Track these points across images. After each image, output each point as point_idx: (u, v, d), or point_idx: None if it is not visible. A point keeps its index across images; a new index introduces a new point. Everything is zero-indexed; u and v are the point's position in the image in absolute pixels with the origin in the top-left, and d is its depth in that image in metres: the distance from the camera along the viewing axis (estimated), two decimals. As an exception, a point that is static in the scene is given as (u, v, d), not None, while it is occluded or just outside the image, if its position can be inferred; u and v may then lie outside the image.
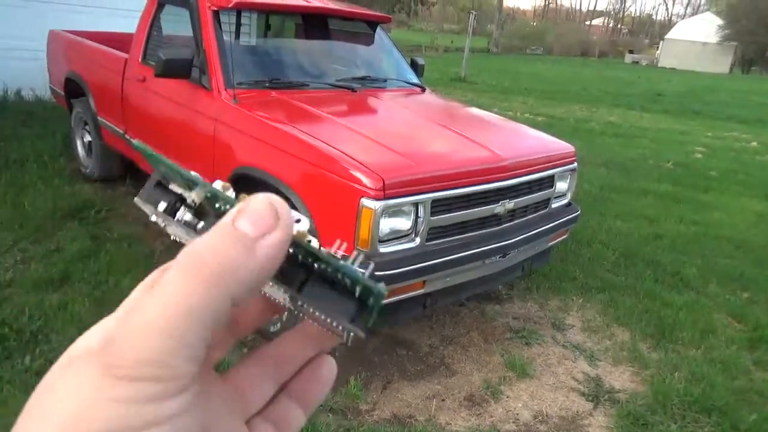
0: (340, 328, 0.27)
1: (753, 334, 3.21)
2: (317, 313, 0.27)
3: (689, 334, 3.15)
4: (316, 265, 0.27)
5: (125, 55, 3.88)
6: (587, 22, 79.57)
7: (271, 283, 0.27)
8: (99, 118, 4.21)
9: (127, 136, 3.80)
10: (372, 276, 0.28)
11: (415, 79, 3.91)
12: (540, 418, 2.44)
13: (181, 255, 0.23)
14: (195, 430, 0.23)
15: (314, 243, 0.27)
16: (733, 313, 3.45)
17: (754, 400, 2.62)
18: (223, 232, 0.23)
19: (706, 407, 2.53)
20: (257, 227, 0.23)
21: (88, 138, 4.54)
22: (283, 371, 0.32)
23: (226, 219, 0.24)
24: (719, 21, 47.66)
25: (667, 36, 51.03)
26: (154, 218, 0.30)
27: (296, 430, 0.32)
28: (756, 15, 44.14)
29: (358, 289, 0.27)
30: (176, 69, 2.98)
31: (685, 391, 2.62)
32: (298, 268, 0.28)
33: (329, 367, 0.33)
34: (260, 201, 0.24)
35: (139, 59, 3.72)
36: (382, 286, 0.27)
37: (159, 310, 0.22)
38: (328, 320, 0.27)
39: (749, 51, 47.16)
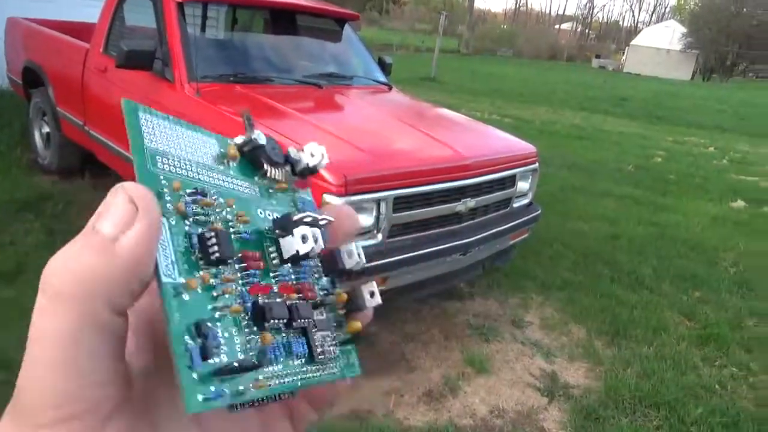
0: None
1: (702, 331, 3.34)
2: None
3: (642, 331, 3.25)
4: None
5: (86, 45, 3.80)
6: (556, 26, 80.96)
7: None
8: (58, 108, 4.11)
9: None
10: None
11: (382, 78, 3.93)
12: (496, 412, 2.49)
13: (42, 278, 0.21)
14: None
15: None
16: (685, 312, 3.57)
17: (700, 395, 2.72)
18: (82, 239, 0.22)
19: (655, 402, 2.62)
20: (114, 225, 0.22)
21: (46, 129, 4.43)
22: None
23: (88, 223, 0.22)
24: (682, 29, 49.07)
25: (633, 42, 52.28)
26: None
27: (307, 424, 0.32)
28: (717, 25, 45.61)
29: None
30: (138, 60, 2.94)
31: (637, 386, 2.71)
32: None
33: None
34: (115, 194, 0.22)
35: (101, 50, 3.65)
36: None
37: (38, 349, 0.21)
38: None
39: (710, 59, 48.68)
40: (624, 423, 2.48)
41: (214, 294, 0.25)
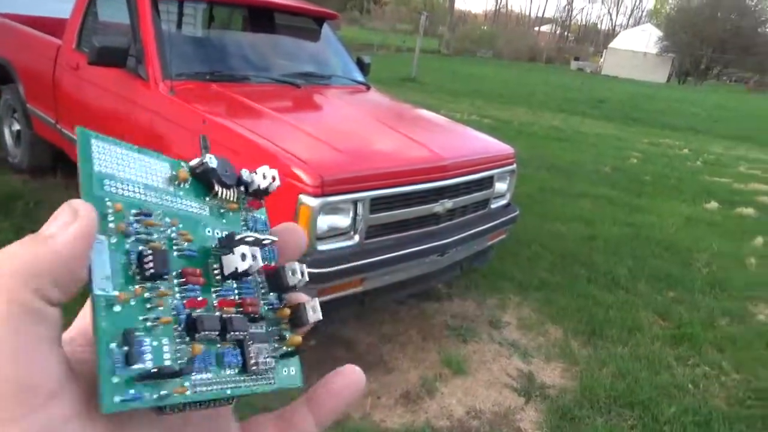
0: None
1: (676, 331, 3.38)
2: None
3: (618, 331, 3.28)
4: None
5: (58, 41, 3.72)
6: (536, 28, 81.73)
7: None
8: (29, 106, 4.02)
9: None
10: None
11: (360, 77, 3.92)
12: (473, 413, 2.48)
13: None
14: None
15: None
16: (659, 311, 3.62)
17: (674, 394, 2.75)
18: (24, 239, 0.23)
19: (630, 401, 2.65)
20: (56, 226, 0.24)
21: (16, 127, 4.32)
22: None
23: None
24: (659, 33, 49.94)
25: (611, 45, 53.06)
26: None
27: None
28: (692, 29, 46.51)
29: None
30: (111, 57, 2.88)
31: (612, 386, 2.73)
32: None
33: (350, 381, 0.32)
34: (61, 206, 0.25)
35: (73, 46, 3.57)
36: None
37: None
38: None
39: (685, 62, 49.63)
40: (599, 423, 2.49)
41: (149, 306, 0.27)
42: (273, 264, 0.33)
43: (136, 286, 0.27)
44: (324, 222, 2.29)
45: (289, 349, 0.32)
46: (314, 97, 3.35)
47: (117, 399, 0.24)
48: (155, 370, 0.25)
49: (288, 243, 0.34)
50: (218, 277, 0.30)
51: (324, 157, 2.40)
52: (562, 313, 3.41)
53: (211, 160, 0.31)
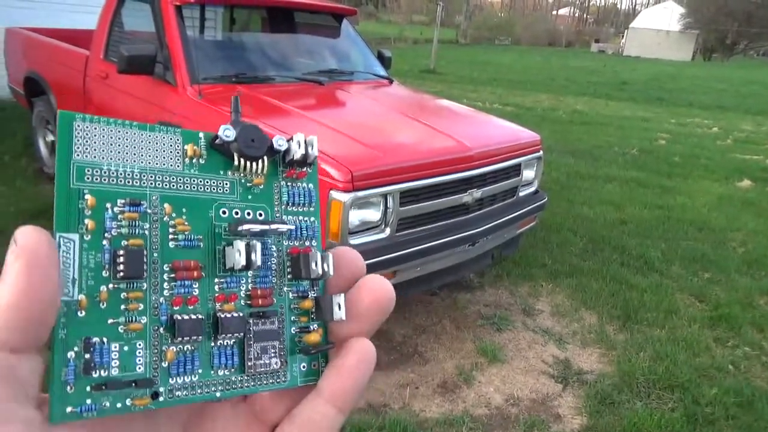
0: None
1: (713, 312, 3.33)
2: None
3: (654, 314, 3.25)
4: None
5: (86, 52, 3.81)
6: (554, 12, 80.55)
7: None
8: (61, 116, 4.13)
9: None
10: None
11: (382, 72, 3.93)
12: (511, 401, 2.49)
13: None
14: None
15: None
16: (695, 293, 3.57)
17: (714, 375, 2.72)
18: None
19: (669, 384, 2.63)
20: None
21: (51, 137, 4.45)
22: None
23: None
24: (681, 10, 48.74)
25: (632, 25, 51.99)
26: None
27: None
28: (715, 4, 45.26)
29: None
30: (139, 65, 2.95)
31: (650, 369, 2.71)
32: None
33: (361, 355, 0.29)
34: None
35: (101, 56, 3.66)
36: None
37: None
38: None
39: (710, 39, 48.38)
40: (639, 406, 2.48)
41: (123, 308, 0.25)
42: (298, 246, 0.30)
43: (105, 287, 0.24)
44: (355, 216, 2.32)
45: (307, 346, 0.30)
46: (338, 93, 3.38)
47: (68, 409, 0.23)
48: (120, 378, 0.24)
49: (340, 268, 0.30)
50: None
51: (352, 153, 2.42)
52: (595, 298, 3.39)
53: (228, 131, 0.28)
